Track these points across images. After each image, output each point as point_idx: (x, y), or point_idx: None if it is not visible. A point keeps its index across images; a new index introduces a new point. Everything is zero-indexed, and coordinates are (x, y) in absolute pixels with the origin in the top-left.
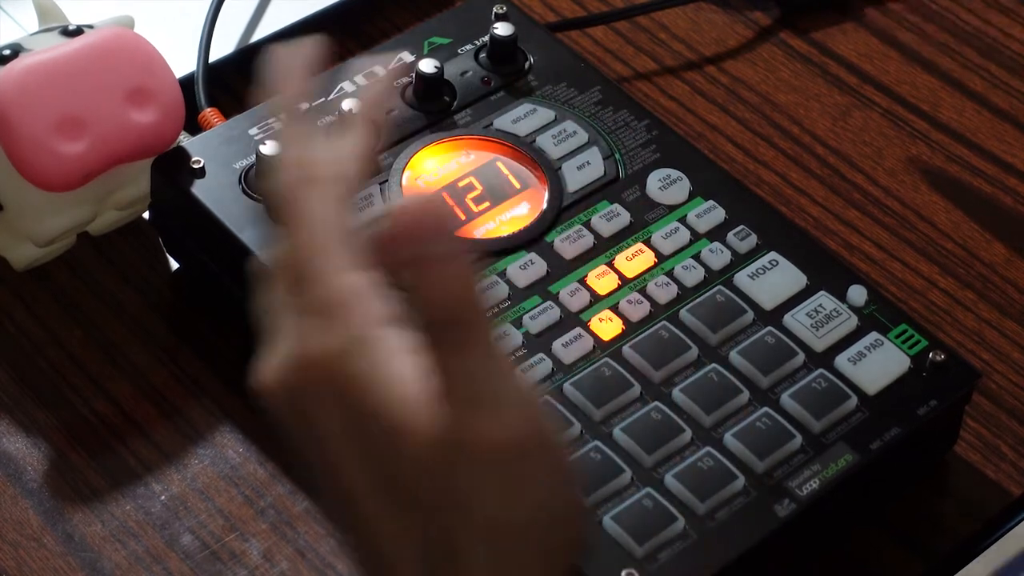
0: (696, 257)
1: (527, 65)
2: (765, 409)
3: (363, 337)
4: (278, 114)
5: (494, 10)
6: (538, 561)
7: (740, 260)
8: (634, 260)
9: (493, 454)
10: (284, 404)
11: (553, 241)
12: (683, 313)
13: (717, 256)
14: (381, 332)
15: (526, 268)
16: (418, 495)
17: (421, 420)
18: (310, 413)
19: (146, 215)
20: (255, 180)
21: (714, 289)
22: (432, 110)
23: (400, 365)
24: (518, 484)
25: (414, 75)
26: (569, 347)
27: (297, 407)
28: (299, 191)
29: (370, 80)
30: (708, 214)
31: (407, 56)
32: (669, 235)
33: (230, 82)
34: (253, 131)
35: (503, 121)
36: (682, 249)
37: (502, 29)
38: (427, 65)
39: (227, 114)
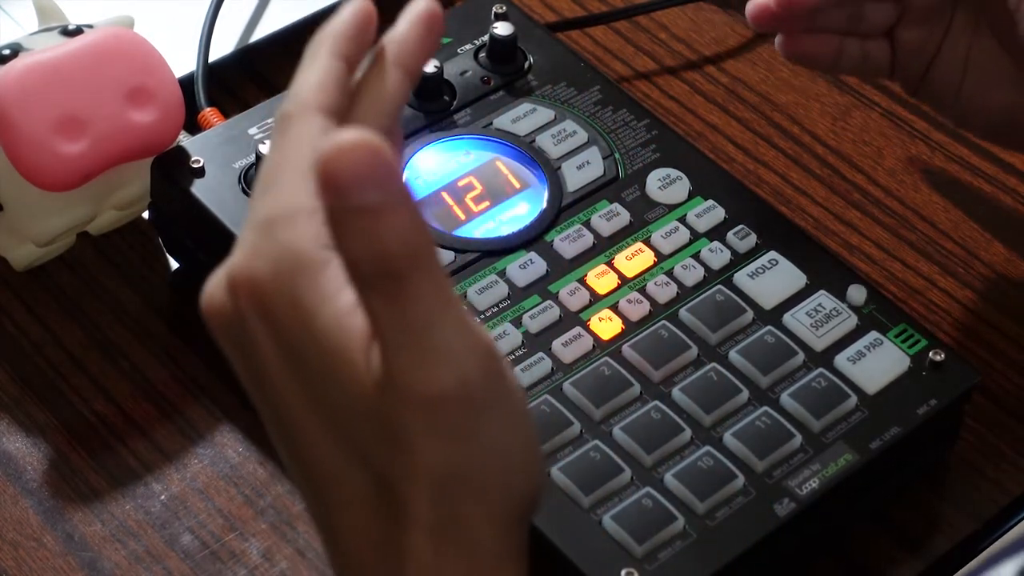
0: (696, 256)
1: (527, 65)
2: (765, 408)
3: (305, 257)
4: (323, 42)
5: (494, 10)
6: (486, 512)
7: (740, 259)
8: (634, 259)
9: (438, 403)
10: (219, 323)
11: (553, 240)
12: (683, 312)
13: (717, 255)
14: (327, 256)
15: (526, 268)
16: (359, 437)
17: (362, 361)
18: (245, 333)
19: (146, 215)
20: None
21: (714, 288)
22: (432, 110)
23: (345, 296)
24: (464, 434)
25: None
26: (569, 346)
27: (232, 326)
28: (288, 117)
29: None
30: (708, 213)
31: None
32: (669, 234)
33: (230, 82)
34: (253, 131)
35: (503, 121)
36: (682, 248)
37: (502, 29)
38: (427, 65)
39: (227, 114)
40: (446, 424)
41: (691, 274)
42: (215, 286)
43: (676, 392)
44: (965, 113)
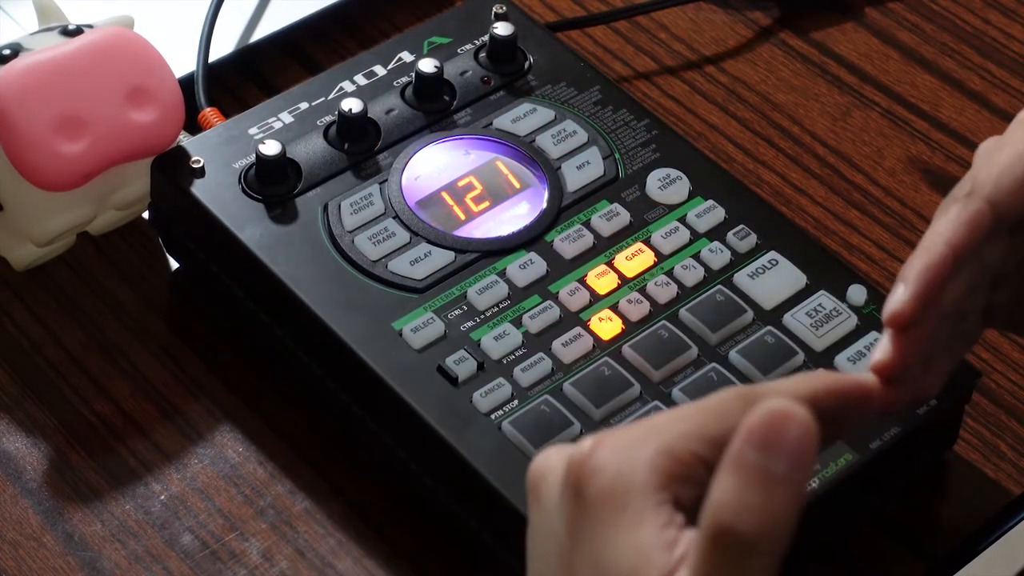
0: (696, 256)
1: (527, 65)
2: None
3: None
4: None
5: (494, 10)
6: None
7: (740, 260)
8: (634, 260)
9: None
10: (533, 483)
11: (553, 241)
12: (683, 312)
13: (717, 256)
14: (670, 512)
15: (526, 268)
16: None
17: None
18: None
19: (146, 215)
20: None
21: (714, 288)
22: (432, 110)
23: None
24: None
25: (414, 75)
26: (569, 346)
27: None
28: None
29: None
30: (708, 214)
31: (407, 56)
32: (669, 234)
33: (230, 82)
34: (253, 131)
35: (503, 121)
36: (682, 248)
37: (502, 29)
38: (427, 65)
39: (227, 114)
40: None
41: (691, 274)
42: (555, 452)
43: (676, 392)
44: None
